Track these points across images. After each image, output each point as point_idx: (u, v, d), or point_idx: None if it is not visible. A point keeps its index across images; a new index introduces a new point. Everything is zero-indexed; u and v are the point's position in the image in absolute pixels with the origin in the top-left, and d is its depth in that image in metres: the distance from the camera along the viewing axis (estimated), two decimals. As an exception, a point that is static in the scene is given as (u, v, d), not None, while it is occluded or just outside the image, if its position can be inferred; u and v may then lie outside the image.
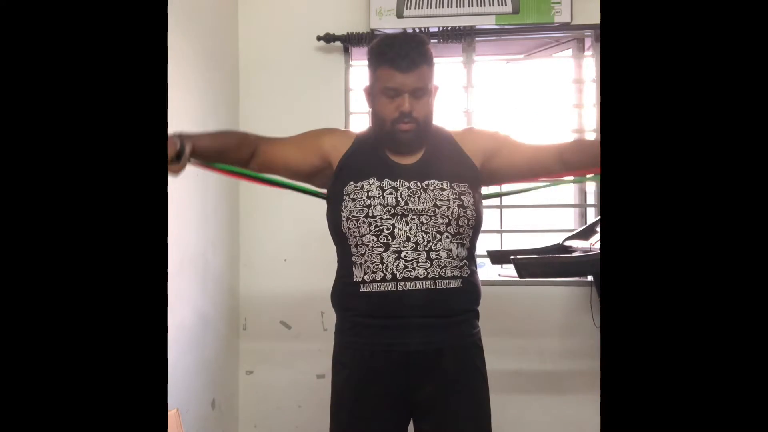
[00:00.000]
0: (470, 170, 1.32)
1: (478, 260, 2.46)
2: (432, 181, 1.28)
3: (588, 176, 1.35)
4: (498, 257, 2.19)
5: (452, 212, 1.26)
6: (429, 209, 1.25)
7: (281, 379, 2.46)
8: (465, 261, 1.30)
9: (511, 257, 1.80)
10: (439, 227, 1.25)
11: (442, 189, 1.27)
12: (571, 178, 1.43)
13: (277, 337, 2.47)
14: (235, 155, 1.31)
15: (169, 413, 1.59)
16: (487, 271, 2.70)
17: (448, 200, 1.26)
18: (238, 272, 2.48)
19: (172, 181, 1.11)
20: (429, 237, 1.25)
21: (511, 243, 2.53)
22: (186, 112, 1.99)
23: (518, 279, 1.89)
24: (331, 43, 2.41)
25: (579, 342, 2.34)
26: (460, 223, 1.27)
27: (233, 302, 2.44)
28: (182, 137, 1.17)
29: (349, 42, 2.39)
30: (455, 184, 1.28)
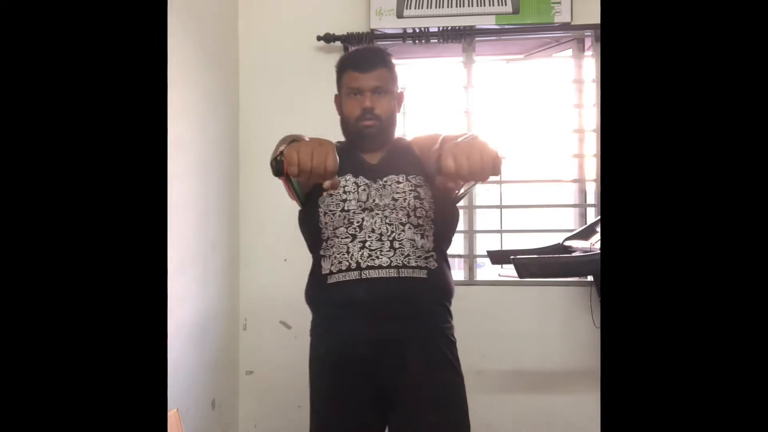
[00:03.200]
0: (421, 167, 1.37)
1: (479, 260, 2.49)
2: (390, 176, 1.35)
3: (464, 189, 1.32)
4: (498, 257, 2.19)
5: (408, 203, 1.31)
6: (389, 204, 1.32)
7: (281, 379, 2.46)
8: (431, 253, 1.32)
9: (511, 257, 1.80)
10: (400, 219, 1.31)
11: (398, 182, 1.34)
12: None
13: (277, 337, 2.47)
14: None
15: (169, 413, 1.59)
16: (487, 271, 2.70)
17: (404, 192, 1.32)
18: (238, 272, 2.48)
19: (172, 181, 1.12)
20: (392, 228, 1.30)
21: (511, 243, 2.53)
22: (186, 112, 1.99)
23: (518, 279, 1.89)
24: (331, 43, 2.41)
25: (579, 342, 2.34)
26: (418, 214, 1.32)
27: (233, 302, 2.44)
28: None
29: (349, 42, 2.39)
30: (411, 176, 1.35)
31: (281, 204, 2.39)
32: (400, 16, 2.37)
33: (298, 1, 2.50)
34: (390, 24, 2.37)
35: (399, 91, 1.42)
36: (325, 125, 2.44)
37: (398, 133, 1.48)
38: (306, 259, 2.39)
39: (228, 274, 2.37)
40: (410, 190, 1.32)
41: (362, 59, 1.37)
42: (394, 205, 1.31)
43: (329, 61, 2.47)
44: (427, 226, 1.32)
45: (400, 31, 2.38)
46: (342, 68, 1.41)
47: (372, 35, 2.37)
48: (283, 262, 2.47)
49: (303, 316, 2.45)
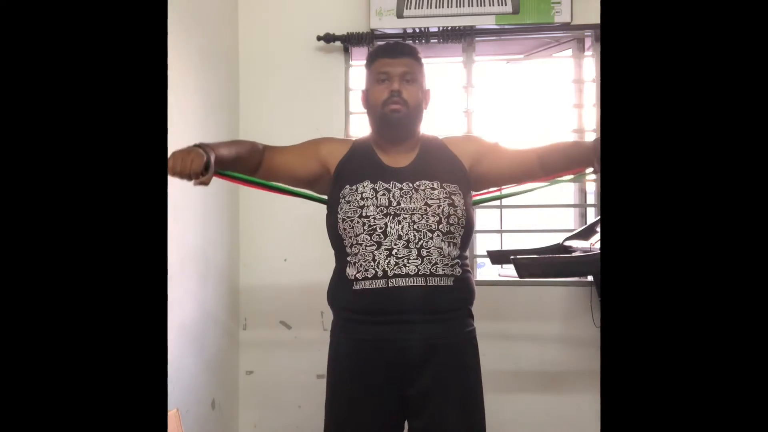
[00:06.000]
0: (460, 172, 1.38)
1: (479, 260, 2.49)
2: (423, 181, 1.33)
3: (569, 177, 1.41)
4: (498, 257, 2.19)
5: (443, 210, 1.30)
6: (420, 208, 1.30)
7: (281, 379, 2.46)
8: (457, 260, 1.33)
9: (511, 257, 1.80)
10: (430, 225, 1.29)
11: (433, 189, 1.33)
12: (562, 178, 1.48)
13: (277, 337, 2.47)
14: (246, 163, 1.37)
15: (169, 413, 1.59)
16: (487, 271, 2.70)
17: (439, 199, 1.31)
18: (238, 272, 2.48)
19: (171, 181, 1.12)
20: (420, 235, 1.29)
21: (511, 243, 2.53)
22: (186, 113, 1.99)
23: (518, 279, 1.89)
24: (331, 43, 2.41)
25: (579, 342, 2.34)
26: (451, 222, 1.31)
27: (233, 302, 2.44)
28: (204, 147, 1.22)
29: (349, 42, 2.39)
30: (445, 184, 1.34)
31: (281, 204, 2.39)
32: (400, 16, 2.37)
33: (298, 1, 2.50)
34: (390, 24, 2.37)
35: (426, 89, 1.42)
36: (325, 124, 2.45)
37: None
38: (305, 259, 2.41)
39: (228, 274, 2.37)
40: (445, 197, 1.32)
41: (392, 47, 1.39)
42: (426, 210, 1.29)
43: (329, 61, 2.48)
44: (457, 233, 1.32)
45: (400, 31, 2.38)
46: (372, 58, 1.40)
47: (372, 35, 2.37)
48: (283, 262, 2.47)
49: (303, 316, 2.48)
